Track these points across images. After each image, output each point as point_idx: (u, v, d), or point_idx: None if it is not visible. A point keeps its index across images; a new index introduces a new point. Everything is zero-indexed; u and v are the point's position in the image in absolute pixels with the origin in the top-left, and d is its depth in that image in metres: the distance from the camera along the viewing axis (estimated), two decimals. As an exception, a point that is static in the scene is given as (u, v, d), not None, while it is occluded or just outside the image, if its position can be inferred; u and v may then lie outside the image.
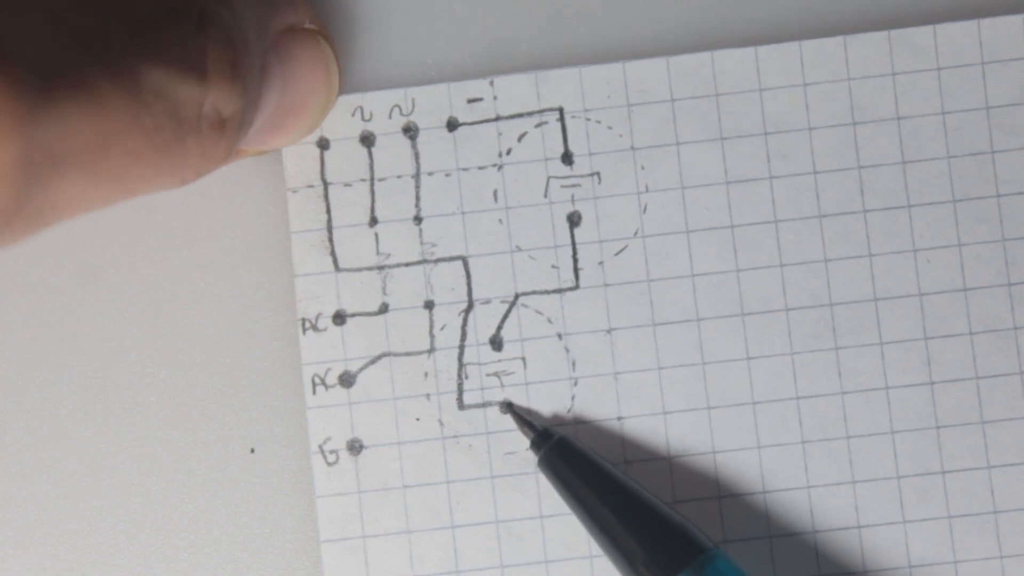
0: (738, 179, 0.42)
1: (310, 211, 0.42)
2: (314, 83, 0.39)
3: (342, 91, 0.42)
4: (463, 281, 0.42)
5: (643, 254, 0.42)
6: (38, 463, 0.42)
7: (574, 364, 0.41)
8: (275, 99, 0.38)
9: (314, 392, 0.41)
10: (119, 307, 0.42)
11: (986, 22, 0.41)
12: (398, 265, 0.42)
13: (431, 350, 0.42)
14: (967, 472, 0.41)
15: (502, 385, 0.41)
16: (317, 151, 0.42)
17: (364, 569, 0.41)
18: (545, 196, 0.42)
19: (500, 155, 0.42)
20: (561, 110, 0.42)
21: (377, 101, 0.42)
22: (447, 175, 0.42)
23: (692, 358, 0.41)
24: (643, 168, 0.42)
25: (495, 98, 0.42)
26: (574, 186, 0.42)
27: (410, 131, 0.42)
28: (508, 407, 0.41)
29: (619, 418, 0.41)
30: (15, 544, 0.42)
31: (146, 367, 0.42)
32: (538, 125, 0.42)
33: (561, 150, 0.42)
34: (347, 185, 0.42)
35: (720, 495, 0.41)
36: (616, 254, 0.42)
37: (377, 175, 0.42)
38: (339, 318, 0.42)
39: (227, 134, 0.34)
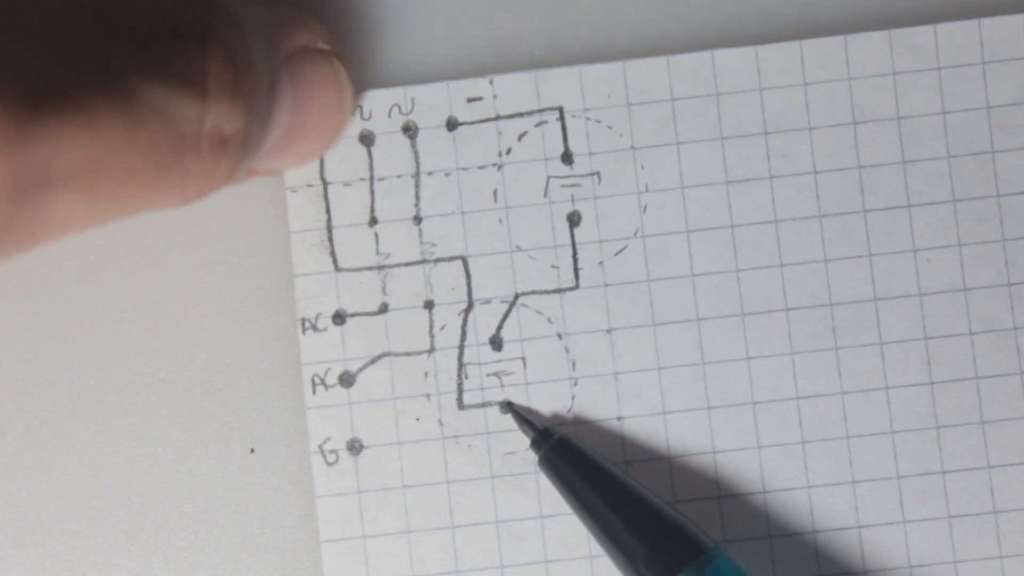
0: (738, 179, 0.42)
1: (310, 211, 0.42)
2: (326, 104, 0.39)
3: (342, 91, 0.42)
4: (463, 281, 0.42)
5: (643, 254, 0.42)
6: (38, 463, 0.42)
7: (574, 364, 0.41)
8: (286, 119, 0.38)
9: (314, 392, 0.41)
10: (119, 307, 0.42)
11: (986, 22, 0.41)
12: (398, 265, 0.42)
13: (431, 350, 0.42)
14: (967, 472, 0.41)
15: (502, 385, 0.41)
16: (317, 151, 0.42)
17: (364, 569, 0.41)
18: (545, 196, 0.42)
19: (500, 155, 0.42)
20: (561, 109, 0.42)
21: (376, 100, 0.42)
22: (447, 175, 0.42)
23: (692, 358, 0.41)
24: (643, 168, 0.42)
25: (495, 97, 0.42)
26: (574, 186, 0.42)
27: (410, 130, 0.42)
28: (508, 407, 0.41)
29: (619, 418, 0.41)
30: (15, 544, 0.42)
31: (146, 367, 0.42)
32: (538, 124, 0.42)
33: (561, 150, 0.42)
34: (347, 184, 0.42)
35: (720, 495, 0.41)
36: (616, 254, 0.42)
37: (377, 174, 0.42)
38: (339, 318, 0.42)
39: (229, 153, 0.34)
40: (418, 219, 0.42)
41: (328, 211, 0.42)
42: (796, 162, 0.42)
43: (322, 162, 0.42)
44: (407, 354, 0.42)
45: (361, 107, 0.42)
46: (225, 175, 0.34)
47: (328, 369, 0.41)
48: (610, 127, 0.42)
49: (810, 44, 0.42)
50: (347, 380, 0.41)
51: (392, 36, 0.42)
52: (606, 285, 0.42)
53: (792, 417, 0.41)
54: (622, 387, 0.41)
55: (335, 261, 0.42)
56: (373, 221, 0.42)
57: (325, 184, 0.42)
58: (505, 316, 0.42)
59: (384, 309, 0.42)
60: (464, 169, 0.42)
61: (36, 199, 0.30)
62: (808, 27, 0.42)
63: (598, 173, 0.42)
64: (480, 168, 0.42)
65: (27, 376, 0.42)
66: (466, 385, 0.42)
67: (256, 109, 0.35)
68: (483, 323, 0.42)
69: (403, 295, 0.42)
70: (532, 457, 0.41)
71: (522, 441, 0.41)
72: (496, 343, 0.42)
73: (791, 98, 0.42)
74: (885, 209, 0.41)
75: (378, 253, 0.42)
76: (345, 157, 0.42)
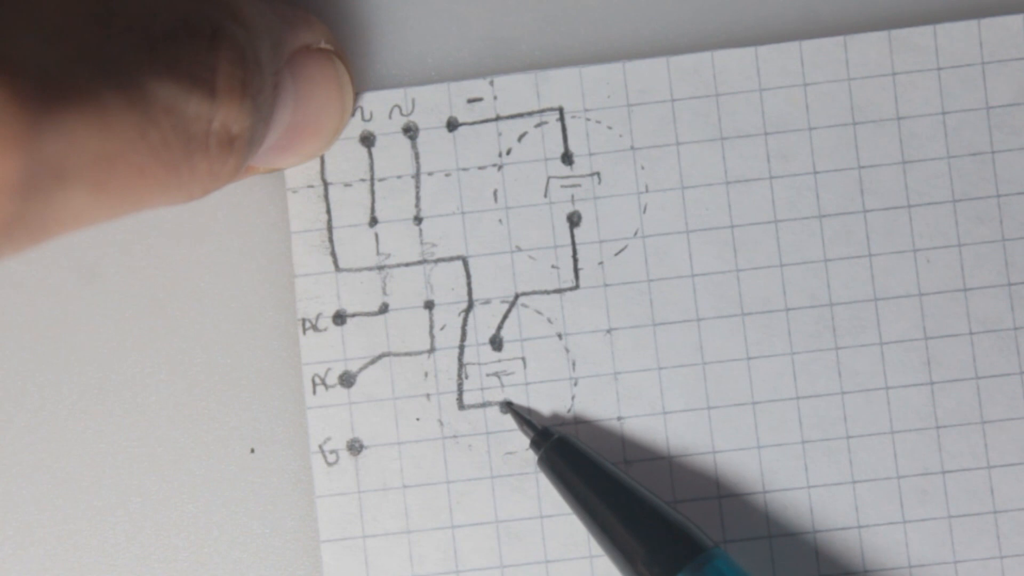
0: (738, 179, 0.42)
1: (310, 211, 0.42)
2: (327, 103, 0.39)
3: (342, 91, 0.42)
4: (463, 281, 0.42)
5: (643, 254, 0.42)
6: (38, 463, 0.42)
7: (574, 364, 0.41)
8: (287, 118, 0.38)
9: (314, 392, 0.41)
10: (119, 307, 0.42)
11: (986, 22, 0.41)
12: (398, 265, 0.42)
13: (431, 350, 0.42)
14: (967, 472, 0.41)
15: (502, 385, 0.41)
16: (317, 151, 0.42)
17: (364, 569, 0.41)
18: (545, 196, 0.42)
19: (500, 155, 0.42)
20: (561, 110, 0.42)
21: (377, 101, 0.42)
22: (447, 175, 0.42)
23: (692, 358, 0.41)
24: (643, 168, 0.42)
25: (495, 98, 0.42)
26: (574, 186, 0.42)
27: (410, 131, 0.42)
28: (508, 406, 0.41)
29: (619, 418, 0.41)
30: (15, 544, 0.42)
31: (146, 367, 0.42)
32: (538, 125, 0.42)
33: (561, 150, 0.42)
34: (347, 185, 0.42)
35: (720, 495, 0.41)
36: (616, 254, 0.42)
37: (377, 175, 0.42)
38: (339, 318, 0.42)
39: (236, 152, 0.34)
40: (418, 219, 0.42)
41: (329, 211, 0.42)
42: (796, 162, 0.42)
43: (323, 163, 0.42)
44: (407, 354, 0.42)
45: (362, 108, 0.42)
46: (231, 173, 0.34)
47: (328, 369, 0.41)
48: (610, 127, 0.42)
49: (810, 44, 0.42)
50: (347, 380, 0.41)
51: (392, 36, 0.42)
52: (606, 285, 0.42)
53: (792, 417, 0.41)
54: (622, 387, 0.41)
55: (335, 261, 0.42)
56: (373, 221, 0.42)
57: (326, 185, 0.42)
58: (505, 316, 0.42)
59: (384, 309, 0.42)
60: (464, 169, 0.42)
61: (49, 193, 0.30)
62: (808, 27, 0.42)
63: (598, 173, 0.42)
64: (480, 168, 0.42)
65: (27, 376, 0.42)
66: (466, 385, 0.42)
67: (261, 108, 0.35)
68: (483, 323, 0.42)
69: (403, 295, 0.42)
70: (532, 457, 0.41)
71: (522, 441, 0.41)
72: (496, 343, 0.42)
73: (791, 98, 0.42)
74: (885, 209, 0.41)
75: (378, 253, 0.42)
76: (346, 158, 0.42)
